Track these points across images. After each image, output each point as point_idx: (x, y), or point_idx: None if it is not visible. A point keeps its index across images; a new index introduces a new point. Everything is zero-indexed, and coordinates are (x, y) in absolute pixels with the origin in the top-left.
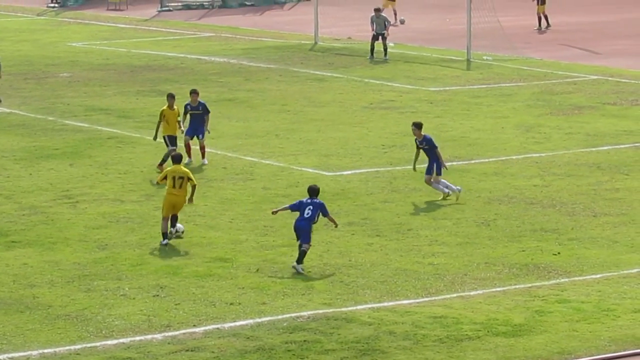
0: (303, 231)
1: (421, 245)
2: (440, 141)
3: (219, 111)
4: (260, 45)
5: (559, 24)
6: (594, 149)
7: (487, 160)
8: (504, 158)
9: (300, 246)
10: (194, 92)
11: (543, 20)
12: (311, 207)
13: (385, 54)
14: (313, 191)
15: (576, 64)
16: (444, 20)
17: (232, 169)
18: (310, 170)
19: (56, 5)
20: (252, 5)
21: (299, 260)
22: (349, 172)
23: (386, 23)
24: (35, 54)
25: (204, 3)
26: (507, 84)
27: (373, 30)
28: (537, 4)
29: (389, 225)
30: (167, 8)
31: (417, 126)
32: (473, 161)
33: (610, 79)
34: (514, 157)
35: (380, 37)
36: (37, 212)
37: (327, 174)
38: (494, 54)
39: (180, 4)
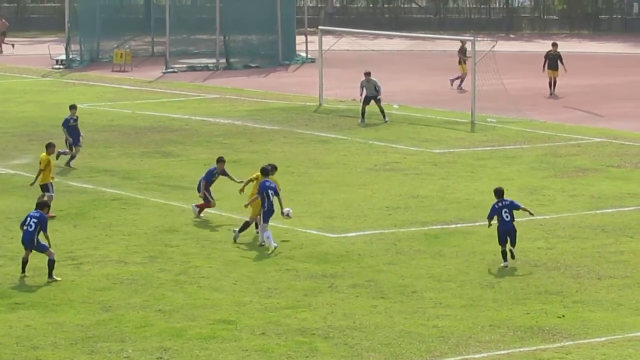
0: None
1: (425, 308)
2: (445, 203)
3: None
4: (264, 107)
5: (563, 86)
6: (598, 212)
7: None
8: None
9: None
10: (220, 161)
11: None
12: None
13: (384, 116)
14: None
15: (580, 126)
16: (449, 82)
17: None
18: (315, 232)
19: (61, 66)
20: (256, 67)
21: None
22: (353, 234)
23: (377, 87)
24: (40, 115)
25: (209, 65)
26: (512, 146)
27: (361, 94)
28: (546, 68)
29: (394, 287)
30: (171, 69)
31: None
32: (477, 223)
33: (614, 141)
34: (518, 219)
35: (372, 101)
36: (40, 273)
37: (331, 235)
38: (499, 116)
39: (184, 65)
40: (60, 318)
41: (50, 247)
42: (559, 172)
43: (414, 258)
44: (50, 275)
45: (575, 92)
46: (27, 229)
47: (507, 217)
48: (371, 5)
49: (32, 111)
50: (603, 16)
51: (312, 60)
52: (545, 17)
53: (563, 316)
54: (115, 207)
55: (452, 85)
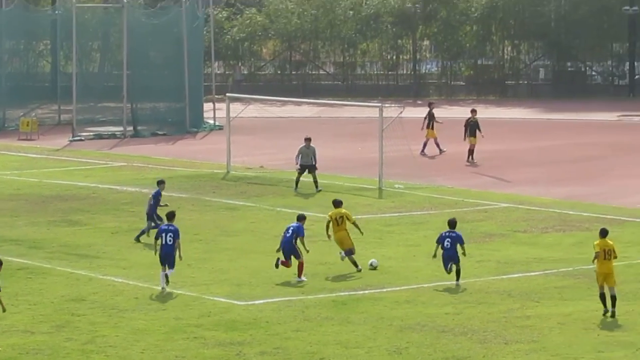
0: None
1: None
2: (352, 270)
3: (130, 241)
4: (172, 175)
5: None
6: (504, 277)
7: (399, 288)
8: (415, 286)
9: None
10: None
11: (433, 146)
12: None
13: (317, 186)
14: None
15: (487, 191)
16: (356, 149)
17: (144, 299)
18: (223, 300)
19: None
20: (164, 134)
21: None
22: (261, 301)
23: (314, 155)
24: None
25: (116, 132)
26: (419, 212)
27: (297, 163)
28: (427, 127)
29: (302, 355)
30: (78, 137)
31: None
32: (385, 289)
33: (520, 206)
34: (425, 285)
35: (307, 170)
36: None
37: (239, 303)
38: (406, 182)
39: (92, 133)
40: None
41: None
42: (466, 237)
43: (321, 325)
44: None
45: (483, 158)
46: None
47: (448, 244)
48: (279, 72)
49: None
50: (510, 82)
51: (220, 128)
52: (452, 83)
53: None
54: (21, 276)
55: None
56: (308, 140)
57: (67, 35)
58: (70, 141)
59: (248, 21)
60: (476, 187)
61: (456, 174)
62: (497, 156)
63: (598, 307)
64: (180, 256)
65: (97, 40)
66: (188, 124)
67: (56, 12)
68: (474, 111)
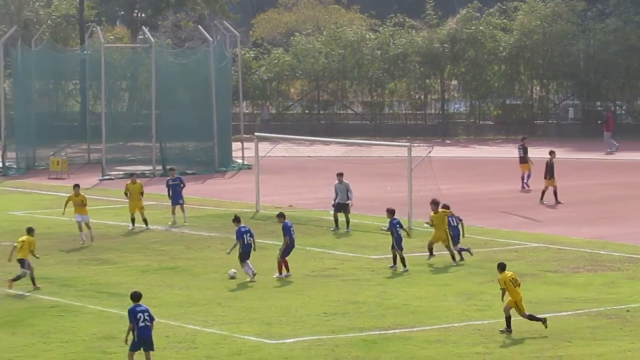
0: None
1: None
2: (382, 309)
3: (160, 279)
4: (201, 214)
5: (499, 192)
6: None
7: (429, 327)
8: (446, 326)
9: None
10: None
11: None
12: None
13: (348, 226)
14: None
15: (517, 231)
16: (385, 188)
17: (175, 337)
18: (253, 339)
19: None
20: (193, 173)
21: None
22: (292, 340)
23: (349, 193)
24: None
25: (145, 172)
26: (448, 252)
27: (335, 199)
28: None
29: None
30: (108, 177)
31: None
32: (415, 329)
33: (551, 246)
34: (455, 325)
35: (342, 207)
36: None
37: (269, 342)
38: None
39: (121, 172)
40: None
41: None
42: (496, 277)
43: None
44: None
45: (512, 197)
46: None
47: (248, 239)
48: (307, 112)
49: None
50: (538, 121)
51: (249, 167)
52: (480, 122)
53: None
54: (53, 314)
55: (524, 187)
56: (340, 175)
57: (96, 75)
58: (100, 180)
59: (275, 61)
60: (506, 226)
61: (486, 213)
62: (526, 196)
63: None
64: (254, 248)
65: (126, 80)
66: (217, 164)
67: (85, 52)
68: (552, 152)
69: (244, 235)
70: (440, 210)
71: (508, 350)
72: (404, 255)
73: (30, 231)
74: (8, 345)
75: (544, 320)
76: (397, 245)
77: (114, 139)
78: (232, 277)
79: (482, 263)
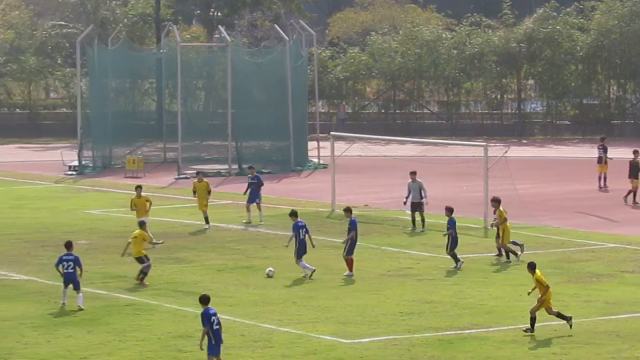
0: None
1: None
2: (458, 309)
3: (236, 278)
4: (277, 213)
5: (576, 192)
6: (612, 317)
7: (505, 327)
8: (522, 326)
9: None
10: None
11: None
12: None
13: (423, 225)
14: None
15: (593, 232)
16: (461, 188)
17: (250, 337)
18: (328, 338)
19: (74, 173)
20: (269, 172)
21: None
22: (367, 339)
23: (422, 189)
24: (53, 222)
25: (221, 171)
26: (525, 252)
27: (407, 197)
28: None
29: None
30: (184, 175)
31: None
32: (491, 329)
33: (628, 247)
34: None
35: (417, 207)
36: None
37: (345, 341)
38: (511, 222)
39: (197, 171)
40: None
41: None
42: (572, 277)
43: None
44: None
45: (589, 198)
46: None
47: (303, 234)
48: (383, 111)
49: (45, 217)
50: (615, 121)
51: (325, 166)
52: (557, 122)
53: None
54: (129, 312)
55: (601, 187)
56: (413, 174)
57: (172, 74)
58: (176, 179)
59: (352, 60)
60: (583, 227)
61: (562, 213)
62: (603, 196)
63: None
64: (312, 244)
65: (202, 79)
66: (293, 163)
67: (161, 51)
68: (636, 152)
69: (300, 230)
70: (500, 209)
71: (584, 350)
72: (456, 254)
73: (142, 224)
74: (84, 344)
75: (530, 330)
76: (451, 247)
77: (190, 137)
78: (269, 276)
79: (559, 263)
